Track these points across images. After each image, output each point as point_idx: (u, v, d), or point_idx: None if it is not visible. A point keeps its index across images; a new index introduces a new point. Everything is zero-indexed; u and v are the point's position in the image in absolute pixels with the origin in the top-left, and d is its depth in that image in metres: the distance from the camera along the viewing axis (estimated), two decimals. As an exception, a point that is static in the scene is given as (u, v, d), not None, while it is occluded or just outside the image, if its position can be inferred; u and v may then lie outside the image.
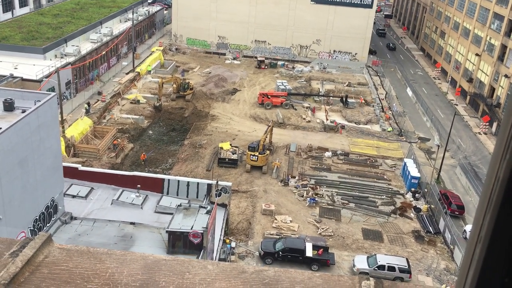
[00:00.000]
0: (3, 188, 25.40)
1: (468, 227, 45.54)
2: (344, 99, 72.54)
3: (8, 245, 3.32)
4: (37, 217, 29.83)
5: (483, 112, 72.76)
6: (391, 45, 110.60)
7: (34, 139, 27.85)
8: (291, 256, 38.46)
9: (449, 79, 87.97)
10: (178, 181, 39.07)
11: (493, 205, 1.58)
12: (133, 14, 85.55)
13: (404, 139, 64.02)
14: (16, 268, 3.03)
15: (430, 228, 44.90)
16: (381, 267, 37.81)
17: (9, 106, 28.84)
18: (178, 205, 33.44)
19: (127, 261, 3.25)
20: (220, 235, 36.63)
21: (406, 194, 50.53)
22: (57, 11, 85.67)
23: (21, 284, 3.00)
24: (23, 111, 27.91)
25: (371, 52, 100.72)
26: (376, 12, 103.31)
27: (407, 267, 37.88)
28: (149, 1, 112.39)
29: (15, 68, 58.93)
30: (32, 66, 59.32)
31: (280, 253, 38.44)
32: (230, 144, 55.42)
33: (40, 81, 56.31)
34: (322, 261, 38.31)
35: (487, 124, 69.09)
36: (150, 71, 79.12)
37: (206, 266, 3.24)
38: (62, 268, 3.15)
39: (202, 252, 30.25)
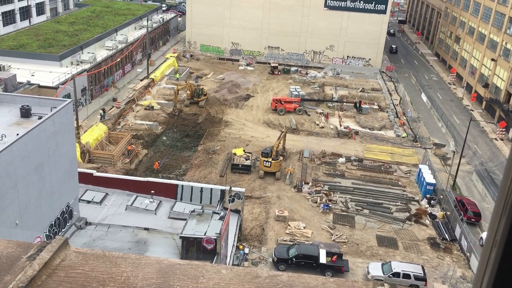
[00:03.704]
0: (19, 193, 25.75)
1: (485, 234, 44.82)
2: (357, 105, 72.23)
3: (26, 249, 3.37)
4: (53, 222, 30.16)
5: (500, 118, 71.82)
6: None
7: (50, 145, 28.22)
8: (304, 262, 38.26)
9: (465, 85, 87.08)
10: (192, 187, 39.20)
11: (509, 208, 1.57)
12: (147, 21, 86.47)
13: (419, 145, 63.44)
14: (34, 271, 3.08)
15: (446, 235, 44.33)
16: (396, 275, 37.40)
17: (26, 113, 29.30)
18: (192, 211, 33.53)
19: (142, 265, 3.28)
20: (234, 241, 36.61)
21: (421, 200, 50.00)
22: (73, 19, 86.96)
23: (38, 287, 3.04)
24: (40, 118, 28.32)
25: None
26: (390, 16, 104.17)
27: (422, 275, 37.42)
28: (163, 8, 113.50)
29: (32, 75, 59.89)
30: (49, 73, 60.22)
31: (294, 259, 38.27)
32: (244, 150, 55.47)
33: (56, 88, 57.12)
34: (336, 268, 38.03)
35: (504, 130, 68.16)
36: (177, 78, 79.75)
37: (220, 271, 3.26)
38: (78, 272, 3.19)
39: (215, 258, 30.26)
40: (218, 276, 3.19)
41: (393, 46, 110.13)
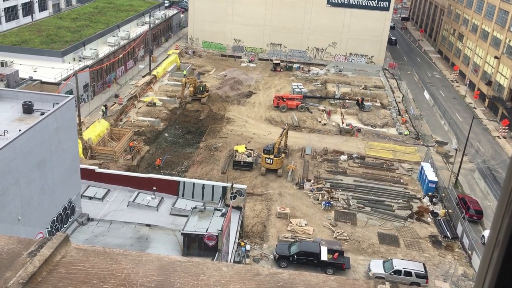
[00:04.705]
0: (21, 189, 25.81)
1: (487, 233, 44.81)
2: (360, 102, 72.13)
3: (26, 245, 3.37)
4: (55, 218, 30.23)
5: (502, 116, 71.65)
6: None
7: (52, 141, 28.25)
8: (306, 259, 38.29)
9: (467, 82, 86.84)
10: (194, 183, 39.24)
11: (511, 208, 1.56)
12: (150, 17, 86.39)
13: (421, 142, 63.34)
14: (34, 267, 3.08)
15: (448, 233, 44.30)
16: (397, 272, 37.41)
17: (28, 109, 29.33)
18: (193, 208, 33.57)
19: (143, 262, 3.27)
20: (235, 237, 36.65)
21: (423, 198, 49.97)
22: (75, 15, 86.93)
23: (38, 283, 3.04)
24: (42, 114, 28.34)
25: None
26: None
27: (423, 272, 37.42)
28: (166, 4, 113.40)
29: (35, 71, 59.93)
30: (51, 69, 60.26)
31: (295, 256, 38.30)
32: (245, 147, 55.48)
33: (58, 84, 57.16)
34: (338, 265, 38.06)
35: (506, 127, 67.99)
36: (185, 74, 79.57)
37: (221, 268, 3.25)
38: (79, 268, 3.18)
39: (217, 254, 30.30)
40: (218, 273, 3.19)
41: (392, 38, 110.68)
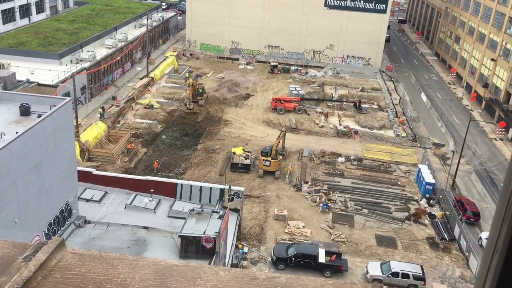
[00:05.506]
0: (18, 191, 25.71)
1: (484, 234, 44.87)
2: (357, 104, 72.23)
3: (22, 249, 3.34)
4: (52, 221, 30.12)
5: (499, 118, 71.83)
6: None
7: (50, 144, 28.17)
8: (303, 262, 38.27)
9: (464, 84, 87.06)
10: (191, 185, 39.18)
11: (511, 214, 1.54)
12: (147, 20, 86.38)
13: (419, 144, 63.44)
14: (29, 272, 3.05)
15: (445, 235, 44.35)
16: (395, 274, 37.41)
17: (25, 111, 29.26)
18: (191, 210, 33.52)
19: (139, 267, 3.25)
20: (233, 240, 36.60)
21: (421, 200, 50.01)
22: (73, 17, 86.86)
23: (34, 288, 3.01)
24: (39, 116, 28.27)
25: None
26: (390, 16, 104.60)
27: (421, 274, 37.43)
28: (163, 7, 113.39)
29: (32, 73, 59.81)
30: (48, 71, 60.15)
31: (293, 258, 38.28)
32: (243, 149, 55.45)
33: (55, 86, 57.07)
34: (335, 267, 38.05)
35: (503, 130, 68.16)
36: (187, 77, 79.21)
37: (218, 272, 3.23)
38: (75, 273, 3.16)
39: (214, 257, 30.24)
40: (215, 277, 3.17)
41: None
